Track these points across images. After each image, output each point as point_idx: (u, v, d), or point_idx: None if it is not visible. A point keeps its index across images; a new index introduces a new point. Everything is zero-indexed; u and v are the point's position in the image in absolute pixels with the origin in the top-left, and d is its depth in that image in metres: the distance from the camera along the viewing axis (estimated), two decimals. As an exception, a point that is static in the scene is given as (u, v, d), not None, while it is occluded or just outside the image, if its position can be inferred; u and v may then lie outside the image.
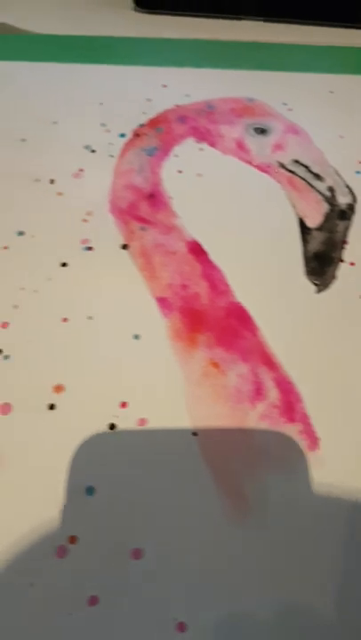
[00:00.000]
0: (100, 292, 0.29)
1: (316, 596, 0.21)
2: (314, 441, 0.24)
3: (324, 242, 0.31)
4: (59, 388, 0.25)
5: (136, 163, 0.35)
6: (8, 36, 0.47)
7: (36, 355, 0.26)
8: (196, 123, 0.37)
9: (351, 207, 0.32)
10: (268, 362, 0.26)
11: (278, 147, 0.36)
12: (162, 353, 0.27)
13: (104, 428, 0.24)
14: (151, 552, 0.21)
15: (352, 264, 0.30)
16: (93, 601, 0.20)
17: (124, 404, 0.25)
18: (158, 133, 0.37)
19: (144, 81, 0.41)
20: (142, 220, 0.32)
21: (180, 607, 0.20)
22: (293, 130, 0.37)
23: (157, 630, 0.20)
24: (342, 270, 0.30)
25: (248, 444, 0.24)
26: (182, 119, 0.38)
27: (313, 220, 0.32)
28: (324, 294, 0.29)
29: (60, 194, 0.33)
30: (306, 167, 0.34)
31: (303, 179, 0.34)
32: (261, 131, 0.36)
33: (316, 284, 0.29)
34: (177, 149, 0.36)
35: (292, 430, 0.24)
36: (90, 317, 0.28)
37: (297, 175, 0.34)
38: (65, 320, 0.28)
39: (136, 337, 0.27)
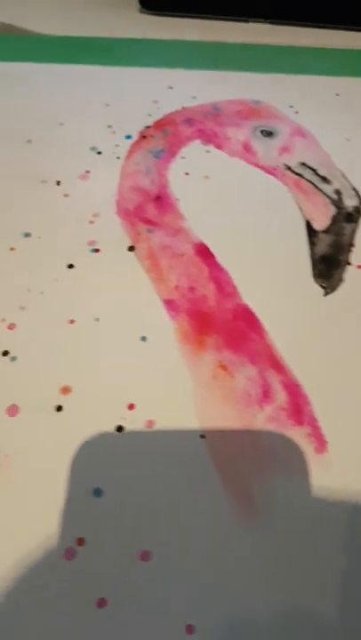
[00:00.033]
0: (106, 294, 0.29)
1: (326, 599, 0.21)
2: (322, 444, 0.24)
3: (332, 245, 0.31)
4: (66, 390, 0.25)
5: (143, 164, 0.35)
6: (13, 37, 0.47)
7: (43, 356, 0.26)
8: (203, 125, 0.37)
9: (358, 210, 0.32)
10: (276, 364, 0.26)
11: (285, 149, 0.36)
12: (169, 355, 0.26)
13: (111, 429, 0.24)
14: (159, 554, 0.21)
15: (359, 267, 0.30)
16: (102, 603, 0.20)
17: (131, 406, 0.25)
18: (165, 135, 0.37)
19: (150, 82, 0.41)
20: (149, 221, 0.32)
21: (188, 609, 0.20)
22: (300, 132, 0.37)
23: (166, 632, 0.20)
24: (350, 273, 0.30)
25: (256, 447, 0.24)
26: (189, 121, 0.38)
27: (320, 223, 0.32)
28: (332, 297, 0.29)
29: (66, 195, 0.33)
30: (313, 170, 0.34)
31: (310, 181, 0.34)
32: (268, 133, 0.36)
33: (323, 287, 0.29)
34: (183, 151, 0.36)
35: (300, 433, 0.24)
36: (97, 319, 0.28)
37: (304, 178, 0.34)
38: (72, 322, 0.28)
39: (143, 339, 0.27)
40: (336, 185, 0.34)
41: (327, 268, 0.30)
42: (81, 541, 0.21)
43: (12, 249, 0.31)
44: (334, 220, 0.32)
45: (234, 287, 0.29)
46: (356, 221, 0.32)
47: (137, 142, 0.36)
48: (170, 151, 0.36)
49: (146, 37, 0.46)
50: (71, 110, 0.39)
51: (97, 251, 0.31)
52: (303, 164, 0.35)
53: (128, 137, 0.37)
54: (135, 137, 0.37)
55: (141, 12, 0.49)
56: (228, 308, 0.28)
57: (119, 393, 0.25)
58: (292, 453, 0.24)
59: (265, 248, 0.31)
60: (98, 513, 0.22)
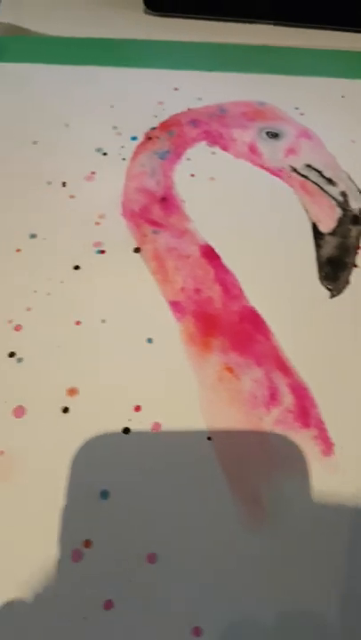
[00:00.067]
0: (113, 296, 0.29)
1: (335, 603, 0.21)
2: (328, 446, 0.24)
3: (338, 247, 0.31)
4: (72, 392, 0.25)
5: (148, 166, 0.35)
6: (19, 37, 0.47)
7: (50, 358, 0.26)
8: (209, 126, 0.37)
9: (364, 212, 0.32)
10: (283, 367, 0.26)
11: (291, 151, 0.36)
12: (175, 357, 0.27)
13: (118, 431, 0.24)
14: (166, 556, 0.21)
15: (365, 269, 0.30)
16: (108, 605, 0.20)
17: (137, 408, 0.25)
18: (170, 136, 0.37)
19: (155, 84, 0.41)
20: (155, 223, 0.32)
21: (195, 612, 0.20)
22: (306, 134, 0.37)
23: (173, 635, 0.20)
24: (356, 275, 0.30)
25: (263, 449, 0.24)
26: (194, 122, 0.38)
27: (326, 225, 0.32)
28: (338, 299, 0.29)
29: (72, 196, 0.33)
30: (318, 172, 0.34)
31: (316, 183, 0.34)
32: (274, 135, 0.36)
33: (329, 290, 0.29)
34: (189, 153, 0.36)
35: (307, 436, 0.24)
36: (103, 321, 0.28)
37: (309, 180, 0.34)
38: (78, 323, 0.28)
39: (149, 340, 0.27)
40: (342, 187, 0.33)
41: (333, 271, 0.30)
42: (88, 543, 0.22)
43: (18, 250, 0.31)
44: (340, 222, 0.32)
45: (240, 289, 0.29)
46: (362, 224, 0.32)
47: (142, 143, 0.36)
48: (175, 152, 0.36)
49: (151, 38, 0.46)
50: (76, 111, 0.39)
51: (103, 252, 0.31)
52: (309, 166, 0.35)
53: (134, 138, 0.37)
54: (141, 138, 0.37)
55: (146, 12, 0.49)
56: (235, 310, 0.28)
57: (125, 395, 0.25)
58: (298, 456, 0.24)
59: (271, 250, 0.31)
60: (105, 515, 0.22)
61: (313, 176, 0.34)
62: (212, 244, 0.31)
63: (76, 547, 0.21)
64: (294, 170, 0.35)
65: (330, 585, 0.21)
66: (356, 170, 0.35)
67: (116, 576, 0.21)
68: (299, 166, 0.35)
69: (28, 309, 0.28)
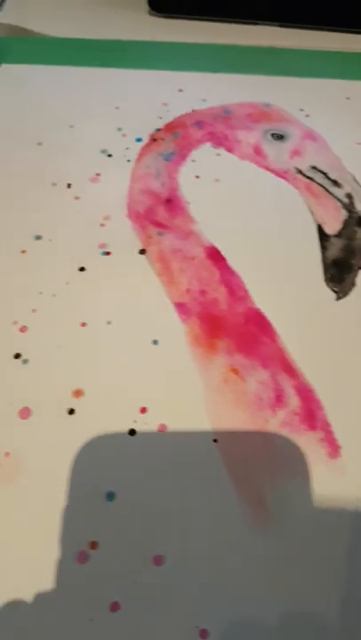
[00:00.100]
0: (118, 297, 0.29)
1: (337, 604, 0.21)
2: (335, 449, 0.24)
3: (343, 249, 0.31)
4: (78, 393, 0.25)
5: (153, 167, 0.35)
6: (24, 39, 0.47)
7: (55, 359, 0.26)
8: (213, 128, 0.37)
9: (369, 214, 0.32)
10: (289, 369, 0.26)
11: (296, 153, 0.36)
12: (181, 358, 0.26)
13: (124, 433, 0.24)
14: (172, 558, 0.21)
15: (371, 271, 0.30)
16: (115, 607, 0.20)
17: (143, 410, 0.25)
18: (175, 138, 0.37)
19: (160, 85, 0.41)
20: (160, 224, 0.32)
21: (202, 614, 0.20)
22: (311, 136, 0.37)
23: (179, 637, 0.20)
24: (361, 278, 0.30)
25: (268, 451, 0.24)
26: (199, 124, 0.38)
27: (332, 227, 0.32)
28: (344, 302, 0.29)
29: (77, 198, 0.34)
30: (324, 174, 0.34)
31: (321, 185, 0.34)
32: (279, 136, 0.36)
33: (335, 292, 0.29)
34: (194, 154, 0.36)
35: (313, 438, 0.24)
36: (108, 322, 0.28)
37: (315, 182, 0.34)
38: (83, 324, 0.28)
39: (155, 342, 0.27)
40: (347, 189, 0.33)
41: (339, 273, 0.30)
42: (94, 545, 0.22)
43: (23, 251, 0.31)
44: (346, 224, 0.32)
45: (245, 291, 0.29)
46: (367, 226, 0.32)
47: (147, 145, 0.36)
48: (180, 154, 0.36)
49: (155, 40, 0.46)
50: (81, 113, 0.39)
51: (108, 254, 0.31)
52: (314, 168, 0.35)
53: (138, 140, 0.37)
54: (145, 140, 0.37)
55: (150, 14, 0.49)
56: (240, 311, 0.28)
57: (131, 396, 0.25)
58: (305, 458, 0.24)
59: (276, 252, 0.31)
60: (111, 516, 0.22)
61: (318, 178, 0.34)
62: (218, 245, 0.31)
63: (82, 548, 0.21)
64: (300, 171, 0.35)
65: (333, 586, 0.21)
66: (361, 172, 0.35)
67: (122, 577, 0.21)
68: (304, 168, 0.35)
69: (34, 311, 0.28)
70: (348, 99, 0.41)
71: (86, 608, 0.20)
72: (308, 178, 0.34)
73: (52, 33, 0.47)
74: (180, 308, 0.28)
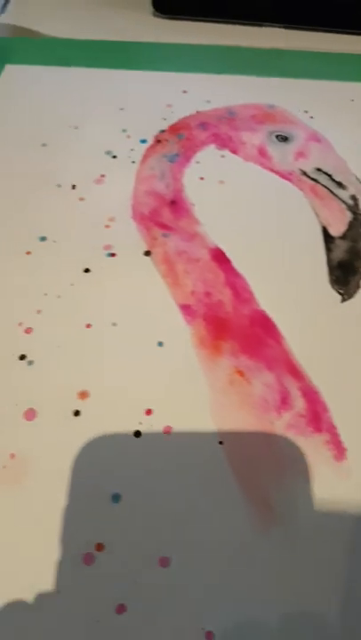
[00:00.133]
0: (123, 299, 0.29)
1: (351, 607, 0.21)
2: (341, 451, 0.24)
3: (348, 251, 0.31)
4: (83, 395, 0.25)
5: (158, 169, 0.35)
6: (28, 39, 0.47)
7: (60, 360, 0.26)
8: (218, 129, 0.37)
9: (374, 216, 0.32)
10: (294, 371, 0.26)
11: (300, 154, 0.36)
12: (186, 360, 0.27)
13: (129, 434, 0.24)
14: (178, 560, 0.21)
15: (376, 273, 0.30)
16: (121, 609, 0.20)
17: (148, 412, 0.25)
18: (179, 140, 0.37)
19: (164, 86, 0.41)
20: (164, 226, 0.32)
21: (207, 616, 0.20)
22: (315, 138, 0.37)
23: (185, 639, 0.20)
24: (366, 279, 0.30)
25: (274, 453, 0.24)
26: (203, 125, 0.38)
27: (336, 229, 0.32)
28: (349, 304, 0.29)
29: (81, 199, 0.34)
30: (328, 175, 0.34)
31: (326, 187, 0.34)
32: (283, 138, 0.36)
33: (340, 294, 0.29)
34: (198, 156, 0.36)
35: (319, 440, 0.24)
36: (113, 324, 0.28)
37: (319, 183, 0.34)
38: (88, 326, 0.28)
39: (160, 344, 0.27)
40: (352, 190, 0.33)
41: (344, 275, 0.30)
42: (100, 547, 0.22)
43: (28, 252, 0.31)
44: (351, 225, 0.32)
45: (250, 293, 0.29)
46: (372, 227, 0.32)
47: (152, 146, 0.36)
48: (185, 155, 0.36)
49: (159, 41, 0.46)
50: (86, 114, 0.39)
51: (113, 255, 0.31)
52: (319, 170, 0.35)
53: (143, 141, 0.37)
54: (150, 141, 0.37)
55: (155, 15, 0.49)
56: (245, 313, 0.28)
57: (136, 398, 0.25)
58: (310, 461, 0.24)
59: (281, 254, 0.31)
60: (117, 518, 0.22)
61: (323, 179, 0.34)
62: (222, 247, 0.31)
63: (88, 550, 0.21)
64: (304, 173, 0.35)
65: (338, 588, 0.21)
66: (366, 173, 0.35)
67: (128, 580, 0.21)
68: (309, 170, 0.35)
69: (39, 312, 0.28)
70: (352, 100, 0.41)
71: (92, 610, 0.20)
72: (312, 179, 0.34)
73: (56, 34, 0.47)
74: (185, 309, 0.28)
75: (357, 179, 0.34)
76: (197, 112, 0.39)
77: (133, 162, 0.36)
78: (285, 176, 0.35)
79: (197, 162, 0.36)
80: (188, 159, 0.36)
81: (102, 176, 0.35)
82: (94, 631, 0.20)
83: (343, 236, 0.31)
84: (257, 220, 0.33)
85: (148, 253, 0.31)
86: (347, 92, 0.41)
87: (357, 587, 0.21)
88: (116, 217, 0.32)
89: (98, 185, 0.34)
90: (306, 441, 0.24)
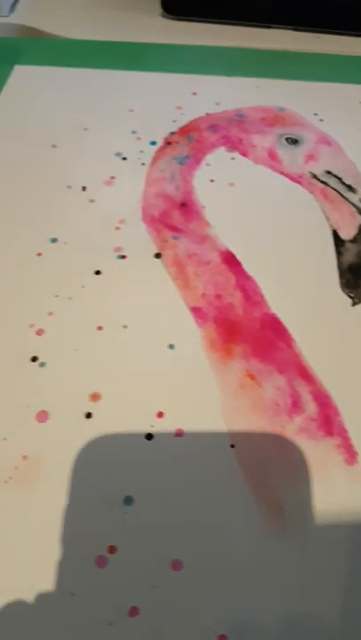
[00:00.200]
0: (134, 301, 0.29)
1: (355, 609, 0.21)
2: (352, 455, 0.24)
3: (359, 254, 0.31)
4: (95, 397, 0.25)
5: (168, 171, 0.35)
6: (37, 40, 0.47)
7: (72, 362, 0.27)
8: (228, 132, 0.37)
9: (384, 219, 0.32)
10: (305, 374, 0.26)
11: (311, 157, 0.36)
12: (197, 363, 0.27)
13: (141, 437, 0.24)
14: (190, 563, 0.21)
15: (386, 277, 0.30)
16: (134, 612, 0.20)
17: (160, 414, 0.25)
18: (189, 142, 0.37)
19: (174, 88, 0.41)
20: (175, 228, 0.32)
21: (219, 619, 0.20)
22: (325, 140, 0.37)
23: (197, 643, 0.20)
24: (377, 283, 0.30)
25: (286, 457, 0.24)
26: (213, 128, 0.38)
27: (347, 233, 0.32)
28: (360, 307, 0.29)
29: (92, 201, 0.34)
30: (338, 178, 0.34)
31: (336, 190, 0.34)
32: (293, 141, 0.36)
33: (350, 297, 0.29)
34: (208, 158, 0.36)
35: (330, 444, 0.24)
36: (125, 326, 0.28)
37: (330, 186, 0.34)
38: (100, 328, 0.28)
39: (171, 347, 0.27)
40: (362, 194, 0.34)
41: (355, 278, 0.30)
42: (112, 549, 0.22)
43: (39, 254, 0.31)
44: (361, 229, 0.32)
45: (261, 295, 0.29)
46: (383, 231, 0.32)
47: (162, 148, 0.37)
48: (195, 158, 0.36)
49: (168, 42, 0.46)
50: (96, 115, 0.39)
51: (123, 257, 0.31)
52: (329, 173, 0.35)
53: (153, 143, 0.37)
54: (160, 143, 0.37)
55: (164, 16, 0.49)
56: (256, 316, 0.28)
57: (148, 401, 0.25)
58: (322, 465, 0.24)
59: (292, 257, 0.31)
60: (129, 521, 0.22)
61: (333, 182, 0.34)
62: (233, 249, 0.31)
63: (101, 552, 0.21)
64: (314, 176, 0.35)
65: (352, 591, 0.21)
66: (375, 177, 0.35)
67: (141, 582, 0.21)
68: (319, 172, 0.35)
69: (50, 314, 0.28)
70: (361, 103, 0.41)
71: (105, 612, 0.20)
72: (322, 182, 0.34)
73: (65, 35, 0.47)
74: (196, 312, 0.28)
75: (368, 182, 0.34)
76: (207, 114, 0.39)
77: (143, 164, 0.36)
78: (295, 179, 0.35)
79: (208, 164, 0.36)
80: (198, 161, 0.36)
81: (112, 178, 0.35)
82: (107, 633, 0.20)
83: (354, 240, 0.31)
84: (267, 222, 0.33)
85: (158, 256, 0.31)
86: (357, 94, 0.41)
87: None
88: (126, 219, 0.33)
89: (108, 187, 0.34)
90: (317, 445, 0.24)
